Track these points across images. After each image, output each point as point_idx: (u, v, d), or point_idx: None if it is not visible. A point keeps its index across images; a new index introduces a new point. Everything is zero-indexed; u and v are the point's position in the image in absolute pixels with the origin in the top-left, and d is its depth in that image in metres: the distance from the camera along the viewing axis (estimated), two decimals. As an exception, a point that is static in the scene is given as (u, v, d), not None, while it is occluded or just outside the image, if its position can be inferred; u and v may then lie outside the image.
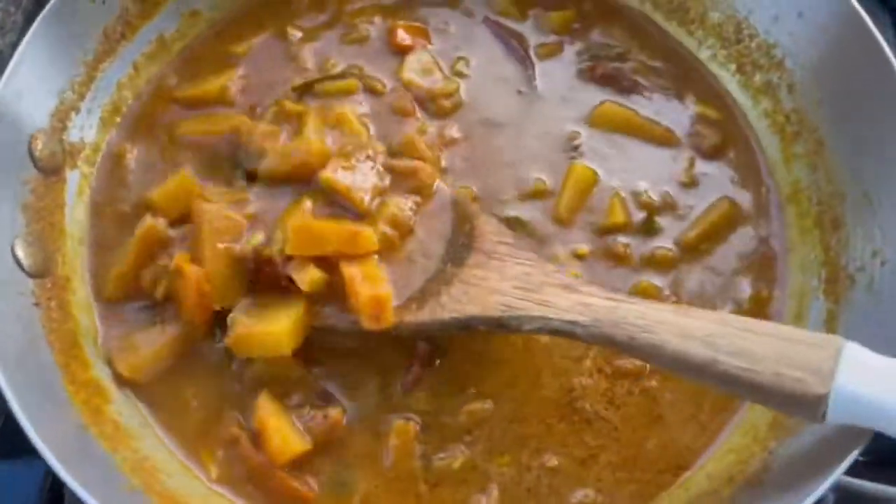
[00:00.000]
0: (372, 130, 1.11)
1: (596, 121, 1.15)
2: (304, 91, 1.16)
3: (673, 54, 1.23)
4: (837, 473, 0.76)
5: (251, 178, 1.04)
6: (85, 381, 0.93)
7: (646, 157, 1.13)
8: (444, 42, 1.22)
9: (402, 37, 1.20)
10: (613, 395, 0.97)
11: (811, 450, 0.85)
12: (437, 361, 0.98)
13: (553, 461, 0.94)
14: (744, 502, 0.85)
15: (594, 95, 1.18)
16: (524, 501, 0.92)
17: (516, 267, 0.93)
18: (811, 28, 1.09)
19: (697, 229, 1.08)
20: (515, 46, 1.22)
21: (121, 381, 0.97)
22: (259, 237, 0.96)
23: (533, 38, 1.23)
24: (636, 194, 1.09)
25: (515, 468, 0.93)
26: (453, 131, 1.14)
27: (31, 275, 0.95)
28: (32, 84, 1.01)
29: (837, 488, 1.01)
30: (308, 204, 0.97)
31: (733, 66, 1.19)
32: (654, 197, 1.09)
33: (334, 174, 0.97)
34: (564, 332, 0.87)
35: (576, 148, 1.13)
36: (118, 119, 1.15)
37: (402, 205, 0.99)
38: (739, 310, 1.03)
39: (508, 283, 0.91)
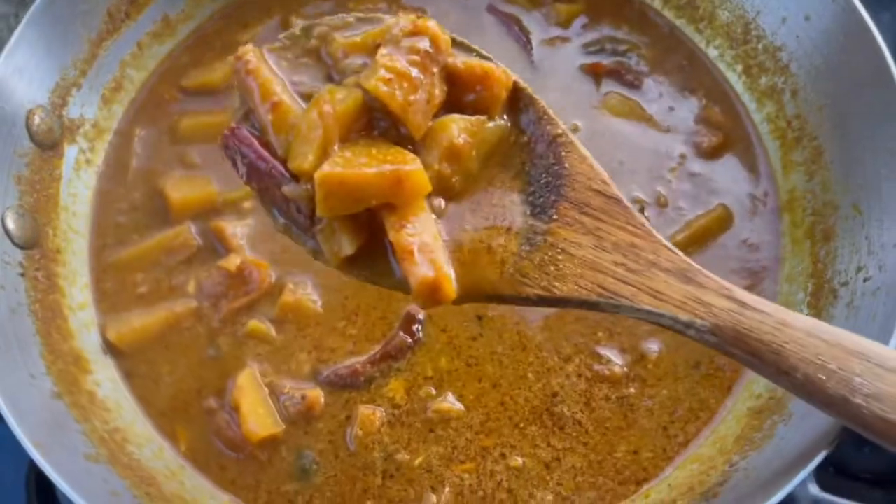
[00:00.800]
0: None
1: (597, 113, 1.14)
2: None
3: (681, 52, 1.20)
4: (783, 494, 0.74)
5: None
6: (64, 351, 0.96)
7: (642, 152, 1.11)
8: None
9: (405, 25, 1.20)
10: (591, 397, 0.97)
11: (768, 467, 0.83)
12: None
13: (517, 461, 0.94)
14: (696, 513, 0.84)
15: (598, 88, 1.16)
16: (476, 499, 0.92)
17: (618, 233, 0.74)
18: (817, 32, 1.06)
19: (687, 232, 1.06)
20: (517, 33, 1.21)
21: (107, 347, 1.01)
22: None
23: (540, 30, 1.21)
24: (628, 191, 1.08)
25: (475, 475, 0.93)
26: None
27: (19, 246, 0.98)
28: (33, 60, 1.04)
29: (812, 502, 1.00)
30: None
31: (740, 67, 1.17)
32: (646, 196, 1.07)
33: (387, 81, 0.70)
34: (670, 328, 0.73)
35: None
36: (120, 98, 1.17)
37: (464, 127, 0.74)
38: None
39: (609, 257, 0.73)
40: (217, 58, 1.22)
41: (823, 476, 1.03)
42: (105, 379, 0.99)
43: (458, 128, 0.73)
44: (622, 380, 0.97)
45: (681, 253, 0.73)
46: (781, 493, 0.74)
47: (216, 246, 1.06)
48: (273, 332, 1.01)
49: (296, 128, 0.72)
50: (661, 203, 1.07)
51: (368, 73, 0.71)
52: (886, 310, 0.85)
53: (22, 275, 0.97)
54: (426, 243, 0.69)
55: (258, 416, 0.95)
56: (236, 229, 1.07)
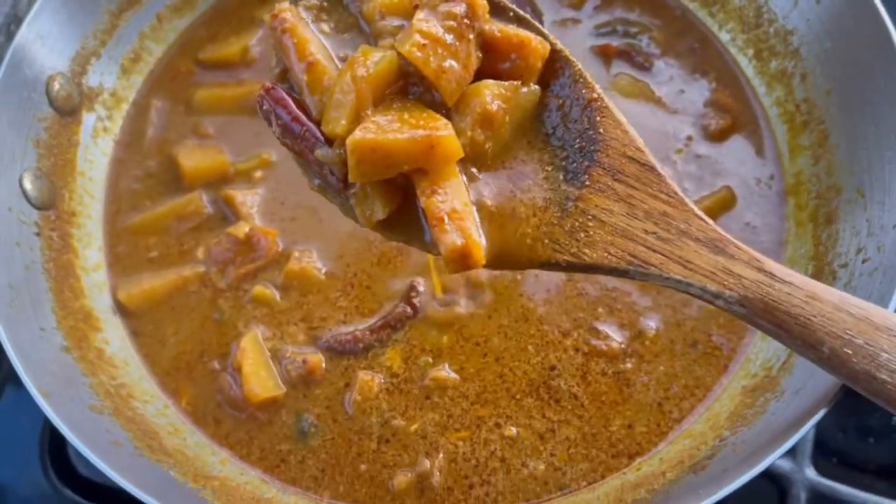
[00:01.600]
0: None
1: (606, 94, 1.14)
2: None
3: (692, 35, 1.21)
4: (763, 466, 0.75)
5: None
6: (75, 308, 1.00)
7: (649, 133, 1.11)
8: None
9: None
10: (587, 371, 0.98)
11: (756, 441, 0.84)
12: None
13: (512, 431, 0.95)
14: (684, 484, 0.85)
15: (608, 69, 1.17)
16: (469, 467, 0.94)
17: (650, 201, 0.73)
18: (827, 16, 1.06)
19: None
20: (530, 13, 1.22)
21: (117, 307, 1.04)
22: None
23: (553, 11, 1.22)
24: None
25: (469, 443, 0.95)
26: None
27: (35, 206, 1.01)
28: (55, 28, 1.07)
29: (810, 488, 1.00)
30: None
31: (751, 51, 1.17)
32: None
33: (421, 46, 0.69)
34: (698, 297, 0.73)
35: None
36: (138, 68, 1.20)
37: (497, 94, 0.72)
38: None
39: (640, 225, 0.72)
40: (233, 32, 1.24)
41: (826, 465, 1.03)
42: (114, 337, 1.02)
43: (491, 94, 0.72)
44: (619, 355, 0.98)
45: (712, 222, 0.73)
46: (763, 465, 0.75)
47: (226, 213, 1.09)
48: (278, 297, 1.03)
49: (330, 90, 0.71)
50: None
51: (403, 37, 0.71)
52: (882, 289, 0.85)
53: (37, 234, 1.00)
54: (456, 210, 0.69)
55: (260, 378, 0.98)
56: (246, 198, 1.09)
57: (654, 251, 0.72)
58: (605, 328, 1.00)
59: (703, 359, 0.98)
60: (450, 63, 0.70)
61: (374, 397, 0.97)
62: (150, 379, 1.00)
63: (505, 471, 0.93)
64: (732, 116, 1.13)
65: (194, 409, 0.98)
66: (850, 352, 0.68)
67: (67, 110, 1.09)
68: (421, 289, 1.02)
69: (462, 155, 0.70)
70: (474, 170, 0.73)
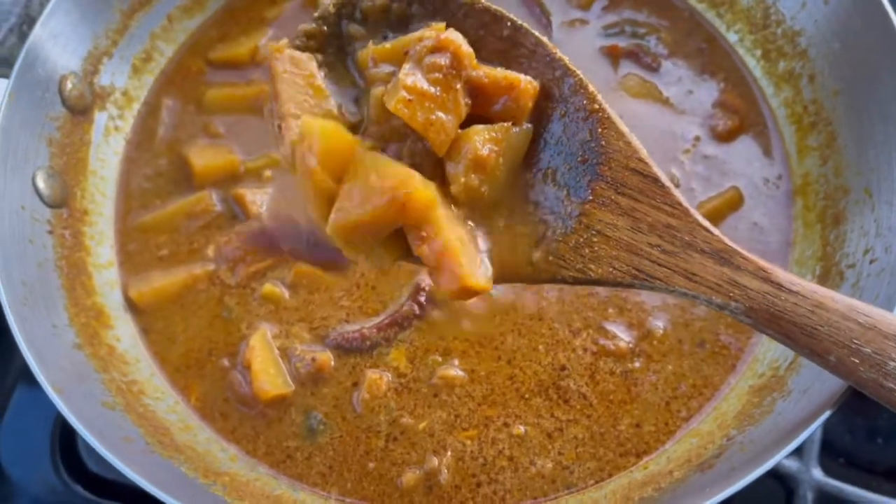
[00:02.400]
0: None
1: (615, 94, 1.15)
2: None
3: (700, 36, 1.21)
4: (770, 465, 0.75)
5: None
6: (87, 305, 1.00)
7: (657, 134, 1.12)
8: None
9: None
10: (596, 370, 0.98)
11: (763, 441, 0.84)
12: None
13: (520, 430, 0.95)
14: (692, 482, 0.85)
15: (616, 70, 1.17)
16: (477, 465, 0.94)
17: (654, 213, 0.72)
18: (835, 17, 1.06)
19: (699, 212, 1.06)
20: (539, 14, 1.23)
21: (127, 304, 1.05)
22: None
23: (561, 12, 1.23)
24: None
25: (477, 442, 0.95)
26: None
27: (48, 205, 1.02)
28: (68, 28, 1.08)
29: (816, 489, 1.00)
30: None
31: (759, 52, 1.17)
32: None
33: (407, 102, 0.70)
34: (706, 306, 0.73)
35: None
36: (150, 68, 1.21)
37: (488, 138, 0.73)
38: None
39: (644, 238, 0.72)
40: (243, 33, 1.25)
41: (833, 465, 1.04)
42: (125, 334, 1.02)
43: (481, 139, 0.72)
44: (627, 355, 0.98)
45: (718, 232, 0.72)
46: (771, 463, 0.75)
47: (236, 212, 1.10)
48: (287, 296, 1.04)
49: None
50: (675, 184, 1.08)
51: (391, 91, 0.72)
52: (889, 290, 0.85)
53: (50, 232, 1.01)
54: (447, 252, 0.69)
55: (269, 375, 0.99)
56: (256, 196, 1.10)
57: (659, 265, 0.72)
58: (613, 328, 1.00)
59: (711, 358, 0.98)
60: (437, 115, 0.71)
61: (382, 395, 0.97)
62: (160, 376, 1.01)
63: (513, 469, 0.94)
64: (740, 117, 1.14)
65: (203, 405, 0.99)
66: (857, 361, 0.68)
67: (80, 109, 1.10)
68: (427, 288, 1.02)
69: (435, 201, 0.70)
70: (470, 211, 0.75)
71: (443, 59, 0.72)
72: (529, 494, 0.92)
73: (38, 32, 1.03)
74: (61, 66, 1.08)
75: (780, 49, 1.14)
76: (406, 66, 0.72)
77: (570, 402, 0.96)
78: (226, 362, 1.01)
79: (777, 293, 0.70)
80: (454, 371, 0.99)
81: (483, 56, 0.76)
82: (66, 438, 1.14)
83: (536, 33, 0.77)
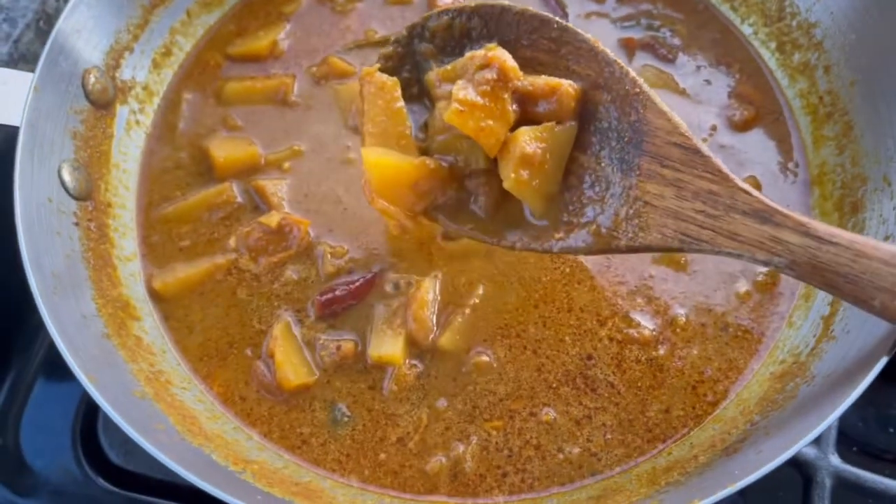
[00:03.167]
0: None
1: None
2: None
3: (714, 28, 1.22)
4: (800, 446, 0.76)
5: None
6: (114, 297, 1.01)
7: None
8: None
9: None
10: (623, 359, 0.99)
11: (789, 424, 0.85)
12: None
13: (550, 416, 0.96)
14: (717, 466, 0.86)
15: (633, 62, 1.19)
16: (502, 457, 0.95)
17: (697, 181, 0.78)
18: (851, 9, 1.07)
19: None
20: (555, 6, 1.24)
21: (151, 295, 1.06)
22: None
23: (577, 4, 1.24)
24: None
25: (503, 432, 0.96)
26: None
27: (74, 197, 1.03)
28: (90, 22, 1.09)
29: (834, 475, 1.01)
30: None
31: (773, 44, 1.18)
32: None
33: (459, 113, 0.84)
34: (751, 263, 0.79)
35: None
36: (169, 62, 1.22)
37: (533, 137, 0.84)
38: (752, 286, 1.03)
39: (689, 205, 0.79)
40: (261, 27, 1.26)
41: (847, 453, 1.05)
42: (150, 326, 1.03)
43: (527, 139, 0.83)
44: (652, 342, 0.99)
45: (757, 193, 0.77)
46: (800, 445, 0.76)
47: (257, 203, 1.10)
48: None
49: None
50: None
51: (447, 104, 0.85)
52: (911, 275, 0.86)
53: (76, 224, 1.02)
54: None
55: (293, 364, 0.99)
56: (277, 188, 1.11)
57: (704, 228, 0.78)
58: (638, 317, 1.01)
59: (735, 342, 1.00)
60: (486, 123, 0.83)
61: (409, 386, 0.98)
62: (184, 365, 1.02)
63: (540, 457, 0.94)
64: (756, 107, 1.15)
65: (226, 392, 1.00)
66: None
67: (102, 103, 1.11)
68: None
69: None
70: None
71: (490, 74, 0.83)
72: (556, 481, 0.93)
73: (61, 26, 1.04)
74: (84, 61, 1.08)
75: (794, 41, 1.16)
76: (459, 82, 0.85)
77: (597, 391, 0.97)
78: (249, 352, 1.02)
79: (818, 246, 0.74)
80: (483, 360, 0.99)
81: (536, 56, 0.87)
82: (87, 430, 1.15)
83: (579, 30, 0.84)
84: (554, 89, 0.84)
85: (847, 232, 0.74)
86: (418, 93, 0.94)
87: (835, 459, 1.04)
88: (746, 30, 1.21)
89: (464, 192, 0.92)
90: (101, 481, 1.11)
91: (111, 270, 1.04)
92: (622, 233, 0.81)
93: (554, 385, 0.97)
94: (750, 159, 1.11)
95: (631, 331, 1.00)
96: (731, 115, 1.14)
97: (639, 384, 0.97)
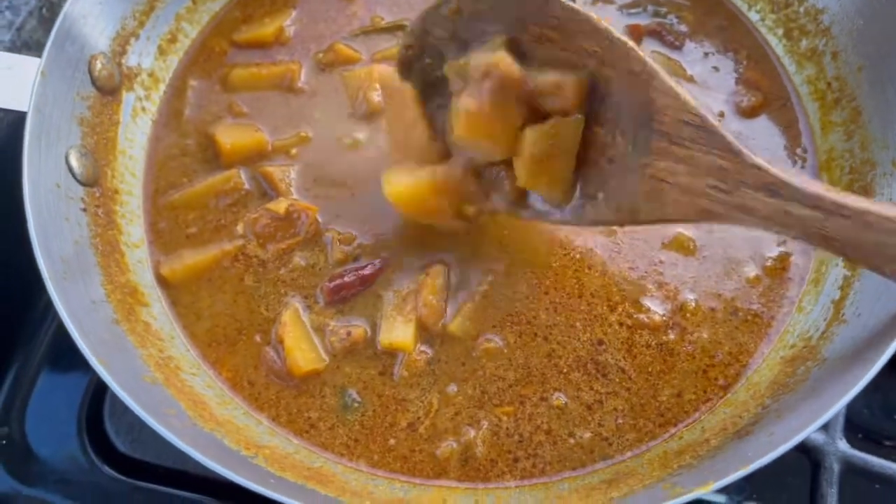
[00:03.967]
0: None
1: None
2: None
3: (721, 14, 1.22)
4: (815, 427, 0.76)
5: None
6: (122, 283, 1.01)
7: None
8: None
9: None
10: (633, 343, 0.99)
11: (801, 406, 0.85)
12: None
13: (561, 400, 0.96)
14: (730, 448, 0.86)
15: (639, 48, 1.18)
16: (513, 442, 0.95)
17: (707, 157, 0.79)
18: (860, -7, 1.07)
19: None
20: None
21: (159, 282, 1.06)
22: None
23: (583, -10, 1.24)
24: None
25: (513, 418, 0.96)
26: None
27: (81, 183, 1.02)
28: (97, 7, 1.08)
29: (842, 460, 1.02)
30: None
31: (780, 31, 1.18)
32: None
33: (467, 125, 0.90)
34: (766, 231, 0.80)
35: None
36: (175, 49, 1.21)
37: (540, 134, 0.88)
38: (762, 271, 1.03)
39: (702, 181, 0.80)
40: (267, 14, 1.26)
41: (852, 439, 1.05)
42: (159, 312, 1.03)
43: (532, 138, 0.87)
44: (661, 327, 0.99)
45: (769, 167, 0.78)
46: (815, 426, 0.76)
47: (265, 189, 1.10)
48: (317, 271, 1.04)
49: None
50: None
51: (454, 113, 0.90)
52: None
53: (84, 210, 1.01)
54: None
55: (302, 351, 0.99)
56: (284, 174, 1.10)
57: (717, 202, 0.79)
58: (648, 302, 1.01)
59: (745, 326, 1.00)
60: (494, 130, 0.88)
61: (419, 371, 0.98)
62: (193, 351, 1.01)
63: (551, 442, 0.94)
64: (763, 94, 1.15)
65: (235, 378, 1.00)
66: None
67: (108, 89, 1.10)
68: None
69: None
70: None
71: (493, 81, 0.86)
72: (568, 466, 0.93)
73: (68, 11, 1.03)
74: (90, 47, 1.08)
75: (802, 27, 1.16)
76: (464, 93, 0.88)
77: (608, 376, 0.97)
78: (258, 338, 1.02)
79: (826, 217, 0.74)
80: (493, 345, 0.99)
81: (544, 33, 0.87)
82: (93, 419, 1.15)
83: (582, 9, 0.84)
84: (559, 85, 0.86)
85: (860, 200, 0.74)
86: (442, 77, 0.95)
87: (843, 445, 1.04)
88: (753, 16, 1.21)
89: (486, 182, 0.95)
90: (108, 469, 1.11)
91: (119, 256, 1.03)
92: (640, 207, 0.84)
93: (565, 370, 0.97)
94: (758, 145, 1.11)
95: (641, 316, 1.00)
96: (738, 102, 1.14)
97: (649, 369, 0.97)
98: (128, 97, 1.14)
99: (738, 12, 1.22)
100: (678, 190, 0.81)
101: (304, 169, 1.12)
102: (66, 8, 1.02)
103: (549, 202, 0.93)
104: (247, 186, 1.11)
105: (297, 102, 1.17)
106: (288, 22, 1.23)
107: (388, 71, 0.98)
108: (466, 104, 0.87)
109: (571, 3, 0.85)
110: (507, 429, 0.95)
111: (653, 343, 0.99)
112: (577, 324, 1.00)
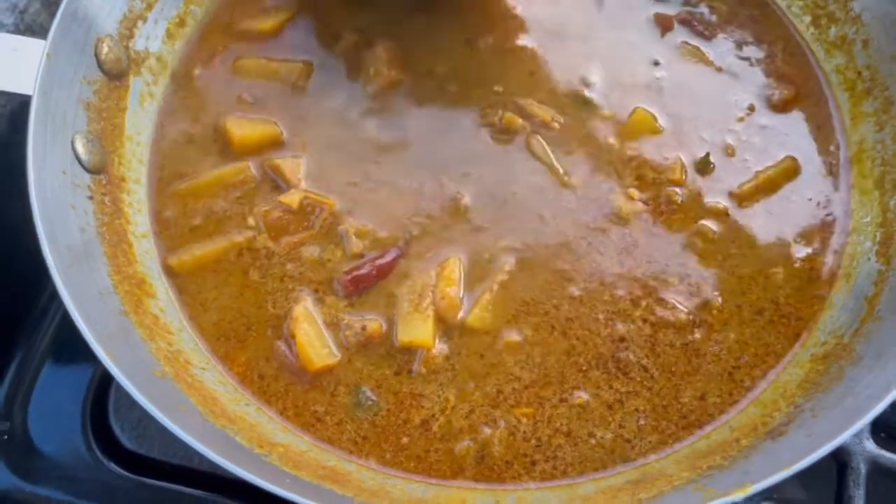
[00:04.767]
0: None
1: (667, 62, 1.13)
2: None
3: (752, 4, 1.19)
4: (856, 428, 0.73)
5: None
6: (130, 274, 0.98)
7: (711, 102, 1.10)
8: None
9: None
10: (656, 342, 0.96)
11: (839, 406, 0.82)
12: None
13: (581, 398, 0.93)
14: (762, 449, 0.83)
15: (669, 38, 1.15)
16: (530, 446, 0.92)
17: None
18: (892, -20, 1.04)
19: (755, 182, 1.04)
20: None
21: (167, 273, 1.02)
22: None
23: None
24: (696, 139, 1.07)
25: (532, 420, 0.93)
26: None
27: (88, 170, 0.99)
28: (104, -11, 1.04)
29: (870, 460, 0.99)
30: None
31: (808, 18, 1.15)
32: (714, 145, 1.07)
33: None
34: None
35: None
36: (183, 33, 1.18)
37: None
38: (789, 270, 1.00)
39: None
40: (275, 2, 1.21)
41: (880, 440, 1.02)
42: (167, 305, 1.00)
43: None
44: (687, 325, 0.96)
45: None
46: (858, 426, 0.73)
47: (277, 182, 1.07)
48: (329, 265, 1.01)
49: None
50: (729, 153, 1.07)
51: None
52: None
53: (90, 198, 0.98)
54: None
55: (314, 347, 0.96)
56: (295, 166, 1.07)
57: None
58: (672, 297, 0.98)
59: (771, 327, 0.97)
60: None
61: (437, 367, 0.95)
62: (203, 346, 0.98)
63: (572, 444, 0.91)
64: (796, 87, 1.12)
65: (245, 372, 0.96)
66: None
67: (116, 74, 1.07)
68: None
69: None
70: None
71: None
72: (590, 467, 0.90)
73: (75, -7, 1.00)
74: (97, 29, 1.04)
75: (831, 15, 1.13)
76: None
77: (629, 375, 0.94)
78: (270, 332, 0.98)
79: None
80: (512, 339, 0.96)
81: None
82: (97, 414, 1.11)
83: None
84: None
85: None
86: None
87: (870, 445, 1.01)
88: (782, 3, 1.17)
89: None
90: (113, 466, 1.08)
91: (126, 246, 1.00)
92: None
93: (584, 368, 0.94)
94: (789, 141, 1.08)
95: (666, 313, 0.97)
96: (770, 95, 1.11)
97: (672, 369, 0.94)
98: (135, 82, 1.10)
99: (770, 2, 1.18)
100: None
101: (316, 161, 1.08)
102: (73, -12, 0.99)
103: None
104: (257, 178, 1.07)
105: (307, 92, 1.14)
106: (291, 21, 1.20)
107: None
108: None
109: None
110: (525, 432, 0.92)
111: (677, 343, 0.96)
112: (600, 316, 0.97)
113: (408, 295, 0.98)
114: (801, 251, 1.01)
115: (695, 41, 1.15)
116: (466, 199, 1.03)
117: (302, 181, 1.07)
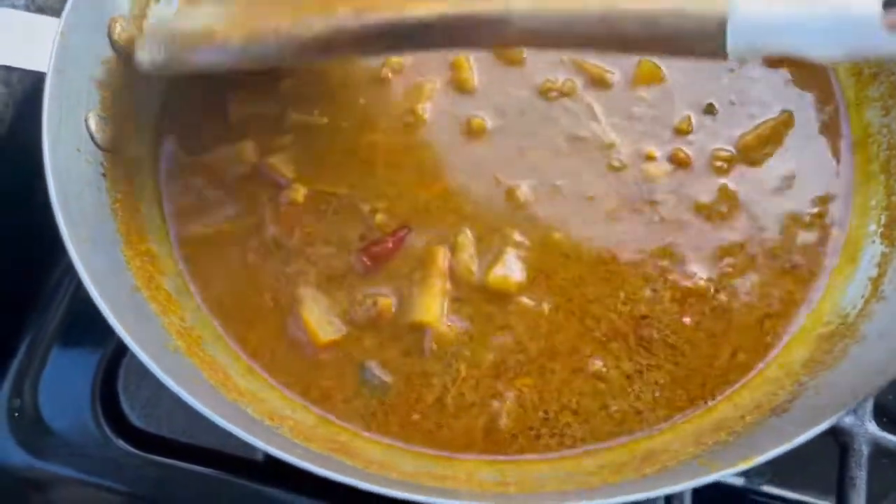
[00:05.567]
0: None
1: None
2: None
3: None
4: (855, 403, 0.74)
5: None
6: (142, 251, 0.99)
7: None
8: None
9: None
10: (684, 313, 0.97)
11: (843, 382, 0.84)
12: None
13: (598, 366, 0.94)
14: (768, 425, 0.84)
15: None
16: (538, 419, 0.93)
17: None
18: (900, -37, 1.04)
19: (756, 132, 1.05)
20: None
21: (179, 247, 1.04)
22: None
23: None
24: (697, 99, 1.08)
25: (537, 391, 0.94)
26: None
27: (101, 147, 1.00)
28: (117, -32, 1.05)
29: (872, 442, 1.00)
30: None
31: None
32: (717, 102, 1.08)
33: None
34: None
35: None
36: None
37: None
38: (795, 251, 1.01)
39: None
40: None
41: (881, 424, 1.03)
42: (179, 282, 1.01)
43: None
44: (707, 291, 0.97)
45: None
46: (860, 398, 0.74)
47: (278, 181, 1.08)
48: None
49: None
50: (712, 111, 1.07)
51: None
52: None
53: (104, 175, 0.99)
54: None
55: (321, 323, 0.97)
56: (290, 158, 1.08)
57: None
58: (691, 268, 0.99)
59: (789, 274, 0.98)
60: None
61: (449, 342, 0.96)
62: (214, 321, 0.99)
63: (581, 421, 0.92)
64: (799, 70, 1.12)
65: (255, 347, 0.98)
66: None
67: (129, 54, 1.07)
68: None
69: None
70: None
71: None
72: (600, 438, 0.91)
73: (88, -30, 1.00)
74: (110, 8, 1.05)
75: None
76: None
77: (651, 350, 0.95)
78: (279, 309, 0.99)
79: None
80: (526, 306, 0.97)
81: None
82: (106, 392, 1.13)
83: None
84: None
85: None
86: None
87: (872, 427, 1.02)
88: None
89: None
90: (122, 443, 1.09)
91: (138, 224, 1.01)
92: None
93: (602, 340, 0.95)
94: (782, 95, 1.08)
95: (686, 282, 0.97)
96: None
97: (699, 342, 0.95)
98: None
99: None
100: None
101: (313, 149, 1.08)
102: (86, -34, 1.00)
103: None
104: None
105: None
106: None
107: None
108: None
109: None
110: (532, 401, 0.93)
111: (706, 310, 0.97)
112: (622, 294, 0.98)
113: (418, 270, 0.99)
114: (804, 238, 1.02)
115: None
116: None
117: (301, 172, 1.07)
